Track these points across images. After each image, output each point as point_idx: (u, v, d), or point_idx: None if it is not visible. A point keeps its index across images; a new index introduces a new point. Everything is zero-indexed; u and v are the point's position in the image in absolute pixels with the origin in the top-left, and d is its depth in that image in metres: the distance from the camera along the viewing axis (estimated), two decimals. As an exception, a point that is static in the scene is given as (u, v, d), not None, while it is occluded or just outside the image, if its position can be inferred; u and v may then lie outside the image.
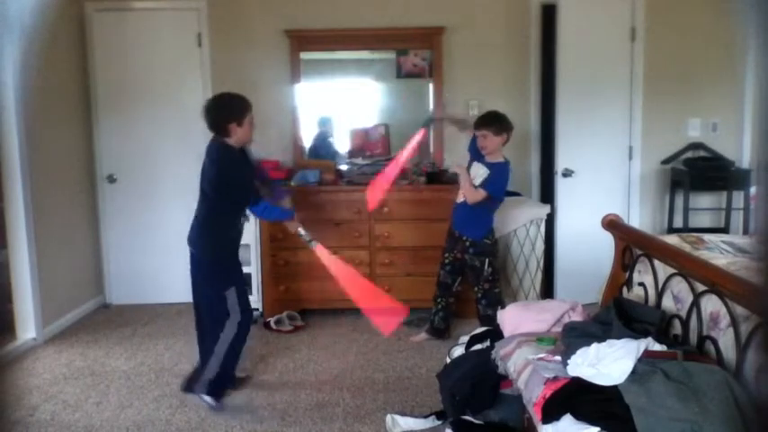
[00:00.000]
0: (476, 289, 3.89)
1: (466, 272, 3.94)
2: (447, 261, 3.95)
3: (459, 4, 4.74)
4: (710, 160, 4.66)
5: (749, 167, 4.63)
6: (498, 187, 3.73)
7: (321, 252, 3.22)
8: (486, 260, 3.83)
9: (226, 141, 3.05)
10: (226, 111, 3.02)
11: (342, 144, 4.94)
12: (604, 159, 4.68)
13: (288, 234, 4.35)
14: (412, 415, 3.01)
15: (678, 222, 4.64)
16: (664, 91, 4.66)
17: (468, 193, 3.72)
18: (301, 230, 3.27)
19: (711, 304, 2.19)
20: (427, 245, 4.32)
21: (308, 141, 4.91)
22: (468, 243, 3.83)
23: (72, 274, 4.55)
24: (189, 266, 3.19)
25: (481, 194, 3.70)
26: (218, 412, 3.09)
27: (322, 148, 4.91)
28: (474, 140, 3.83)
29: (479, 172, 3.78)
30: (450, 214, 3.94)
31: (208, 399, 3.12)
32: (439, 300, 4.01)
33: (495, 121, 3.73)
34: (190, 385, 3.17)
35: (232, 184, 3.05)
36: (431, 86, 4.77)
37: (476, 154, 3.84)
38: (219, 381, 3.13)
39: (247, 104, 3.09)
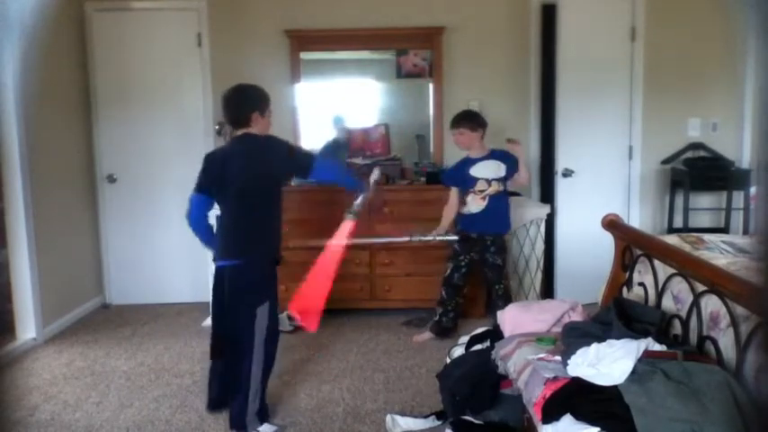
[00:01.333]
0: (497, 287, 3.93)
1: (484, 272, 3.96)
2: (464, 263, 3.94)
3: (459, 4, 4.74)
4: (710, 160, 4.66)
5: (749, 167, 4.63)
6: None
7: (343, 230, 3.07)
8: (505, 257, 3.95)
9: (251, 133, 2.89)
10: (250, 99, 2.90)
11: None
12: (604, 159, 4.68)
13: (288, 234, 4.36)
14: (412, 415, 3.01)
15: (678, 222, 4.63)
16: (664, 91, 4.65)
17: (526, 173, 3.94)
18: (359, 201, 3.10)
19: (711, 304, 2.19)
20: (427, 245, 4.31)
21: (313, 142, 4.88)
22: (489, 242, 3.86)
23: (72, 274, 4.55)
24: (214, 286, 2.97)
25: (528, 171, 4.00)
26: None
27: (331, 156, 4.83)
28: (455, 171, 3.96)
29: (491, 169, 3.85)
30: (458, 221, 3.96)
31: (266, 428, 2.90)
32: (449, 302, 4.00)
33: (470, 118, 3.88)
34: (240, 423, 2.84)
35: (296, 153, 3.01)
36: (431, 86, 4.77)
37: (464, 166, 3.90)
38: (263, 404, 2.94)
39: (268, 96, 2.98)
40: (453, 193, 3.96)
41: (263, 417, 2.92)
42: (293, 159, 2.99)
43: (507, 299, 3.90)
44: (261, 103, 2.92)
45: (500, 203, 3.89)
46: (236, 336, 2.85)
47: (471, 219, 3.89)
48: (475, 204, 3.87)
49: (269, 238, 2.99)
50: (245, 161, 2.86)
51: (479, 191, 3.84)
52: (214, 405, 3.06)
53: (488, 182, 3.84)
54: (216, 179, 2.89)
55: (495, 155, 3.89)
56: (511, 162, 3.86)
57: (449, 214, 3.93)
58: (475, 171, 3.87)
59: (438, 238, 3.81)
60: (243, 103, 2.89)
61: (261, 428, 2.89)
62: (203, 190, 2.92)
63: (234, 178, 2.85)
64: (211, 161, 2.94)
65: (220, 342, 2.96)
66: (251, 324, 2.82)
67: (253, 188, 2.87)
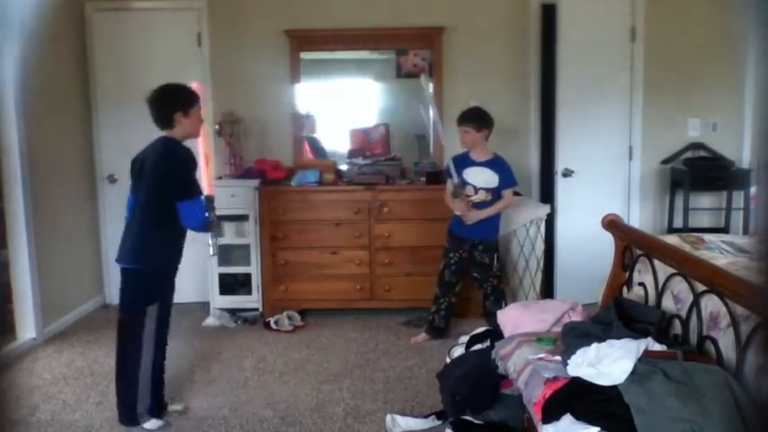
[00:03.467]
0: (484, 286, 3.93)
1: (471, 270, 3.96)
2: (453, 261, 3.95)
3: (459, 4, 4.74)
4: (710, 160, 4.66)
5: (749, 167, 4.63)
6: (513, 175, 3.87)
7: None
8: (495, 256, 3.92)
9: (169, 136, 2.91)
10: (171, 99, 2.89)
11: (342, 144, 4.92)
12: (604, 159, 4.68)
13: (288, 234, 4.38)
14: (412, 415, 3.01)
15: (678, 222, 4.63)
16: (664, 91, 4.65)
17: (507, 205, 3.88)
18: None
19: (711, 304, 2.19)
20: (427, 245, 4.32)
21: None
22: (476, 241, 3.86)
23: (72, 274, 4.55)
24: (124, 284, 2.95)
25: (512, 196, 3.88)
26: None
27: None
28: (455, 161, 3.88)
29: (483, 176, 3.81)
30: (450, 218, 3.95)
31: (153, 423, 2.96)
32: (441, 300, 4.01)
33: (476, 118, 3.81)
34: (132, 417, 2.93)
35: (178, 178, 2.84)
36: (431, 86, 4.77)
37: (461, 164, 3.87)
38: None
39: (195, 95, 2.97)
40: (449, 183, 3.93)
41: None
42: (176, 181, 2.84)
43: (498, 298, 3.91)
44: (183, 103, 2.89)
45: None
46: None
47: (458, 220, 3.89)
48: (459, 206, 3.85)
49: (159, 245, 2.94)
50: (150, 165, 2.88)
51: (465, 195, 3.83)
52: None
53: (476, 189, 3.82)
54: (134, 180, 3.00)
55: (493, 163, 3.83)
56: (506, 174, 3.82)
57: (449, 203, 3.91)
58: (467, 174, 3.85)
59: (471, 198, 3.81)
60: (164, 103, 2.89)
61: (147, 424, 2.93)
62: (131, 190, 3.02)
63: (144, 180, 2.91)
64: (132, 163, 3.02)
65: None
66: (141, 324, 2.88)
67: (154, 192, 2.86)
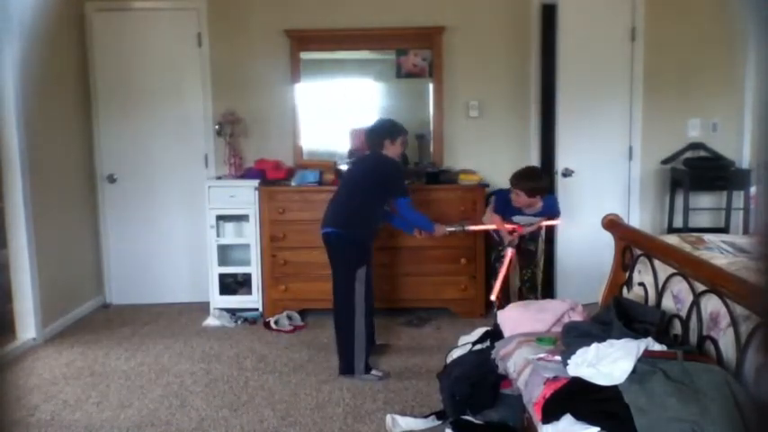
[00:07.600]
0: (523, 272, 4.03)
1: (518, 257, 4.04)
2: (503, 253, 4.03)
3: (459, 4, 4.74)
4: (710, 160, 4.66)
5: (749, 167, 4.63)
6: (557, 205, 4.00)
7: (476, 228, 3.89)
8: (538, 246, 4.06)
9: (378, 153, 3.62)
10: (382, 130, 3.64)
11: (342, 144, 4.91)
12: (604, 159, 4.68)
13: (288, 234, 4.38)
14: (412, 415, 3.01)
15: (678, 222, 4.63)
16: (664, 91, 4.65)
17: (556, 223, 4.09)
18: (450, 229, 3.77)
19: (711, 304, 2.19)
20: (427, 245, 4.32)
21: (312, 142, 4.90)
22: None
23: (72, 274, 4.55)
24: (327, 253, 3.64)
25: (559, 218, 4.03)
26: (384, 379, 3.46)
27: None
28: (503, 205, 3.93)
29: (533, 221, 3.90)
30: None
31: (374, 373, 3.48)
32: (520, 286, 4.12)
33: (530, 182, 3.79)
34: (348, 369, 3.47)
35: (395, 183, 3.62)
36: (431, 86, 4.77)
37: (509, 209, 3.93)
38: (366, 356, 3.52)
39: (401, 129, 3.67)
40: (490, 211, 3.97)
41: (368, 365, 3.52)
42: (391, 184, 3.59)
43: (533, 285, 4.03)
44: (391, 134, 3.62)
45: (533, 233, 4.00)
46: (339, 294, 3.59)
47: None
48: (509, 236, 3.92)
49: (363, 223, 3.58)
50: (361, 167, 3.73)
51: (467, 230, 3.94)
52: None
53: (524, 227, 3.91)
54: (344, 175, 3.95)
55: (542, 213, 3.89)
56: (548, 207, 3.90)
57: (486, 224, 3.98)
58: (517, 218, 3.91)
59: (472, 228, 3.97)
60: (377, 132, 3.66)
61: (372, 373, 3.48)
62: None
63: (353, 176, 3.74)
64: (352, 162, 3.95)
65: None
66: (352, 283, 3.50)
67: (362, 186, 3.60)
